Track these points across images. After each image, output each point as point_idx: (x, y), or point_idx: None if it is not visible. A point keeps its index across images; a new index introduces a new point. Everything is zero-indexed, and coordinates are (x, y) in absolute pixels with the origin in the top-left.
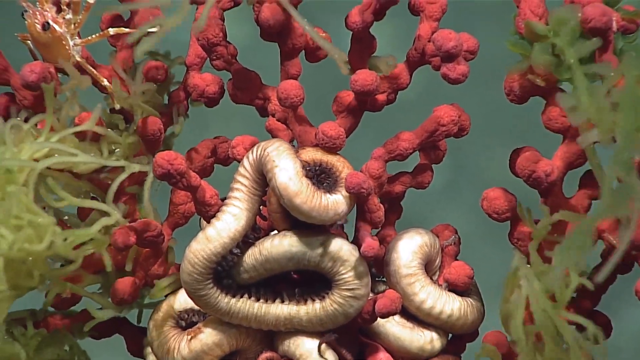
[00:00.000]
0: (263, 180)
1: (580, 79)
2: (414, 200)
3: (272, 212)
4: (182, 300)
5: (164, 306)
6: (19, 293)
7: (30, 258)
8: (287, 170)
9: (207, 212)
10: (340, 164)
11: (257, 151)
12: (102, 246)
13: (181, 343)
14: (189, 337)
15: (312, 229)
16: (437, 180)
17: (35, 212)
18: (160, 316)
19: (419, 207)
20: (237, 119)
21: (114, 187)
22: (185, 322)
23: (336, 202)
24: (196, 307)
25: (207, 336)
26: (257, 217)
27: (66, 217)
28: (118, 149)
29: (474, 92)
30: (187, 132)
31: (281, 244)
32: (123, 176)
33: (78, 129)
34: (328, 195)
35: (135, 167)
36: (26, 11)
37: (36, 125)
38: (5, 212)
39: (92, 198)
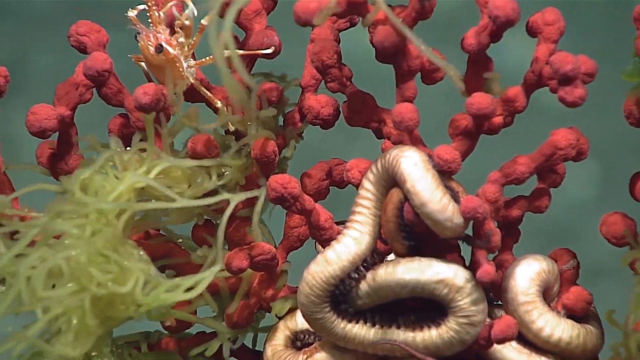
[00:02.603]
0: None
1: None
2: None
3: (386, 221)
4: (299, 321)
5: (281, 326)
6: (112, 324)
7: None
8: (412, 157)
9: (322, 236)
10: (463, 193)
11: (378, 164)
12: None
13: None
14: (305, 356)
15: (427, 255)
16: (589, 192)
17: (121, 253)
18: (277, 336)
19: (570, 219)
20: None
21: (222, 227)
22: (301, 342)
23: (456, 208)
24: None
25: (323, 358)
26: (378, 241)
27: (180, 240)
28: (227, 172)
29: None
30: (340, 141)
31: (395, 272)
32: (229, 211)
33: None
34: (452, 199)
35: (241, 197)
36: (139, 33)
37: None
38: (94, 251)
39: (206, 220)
